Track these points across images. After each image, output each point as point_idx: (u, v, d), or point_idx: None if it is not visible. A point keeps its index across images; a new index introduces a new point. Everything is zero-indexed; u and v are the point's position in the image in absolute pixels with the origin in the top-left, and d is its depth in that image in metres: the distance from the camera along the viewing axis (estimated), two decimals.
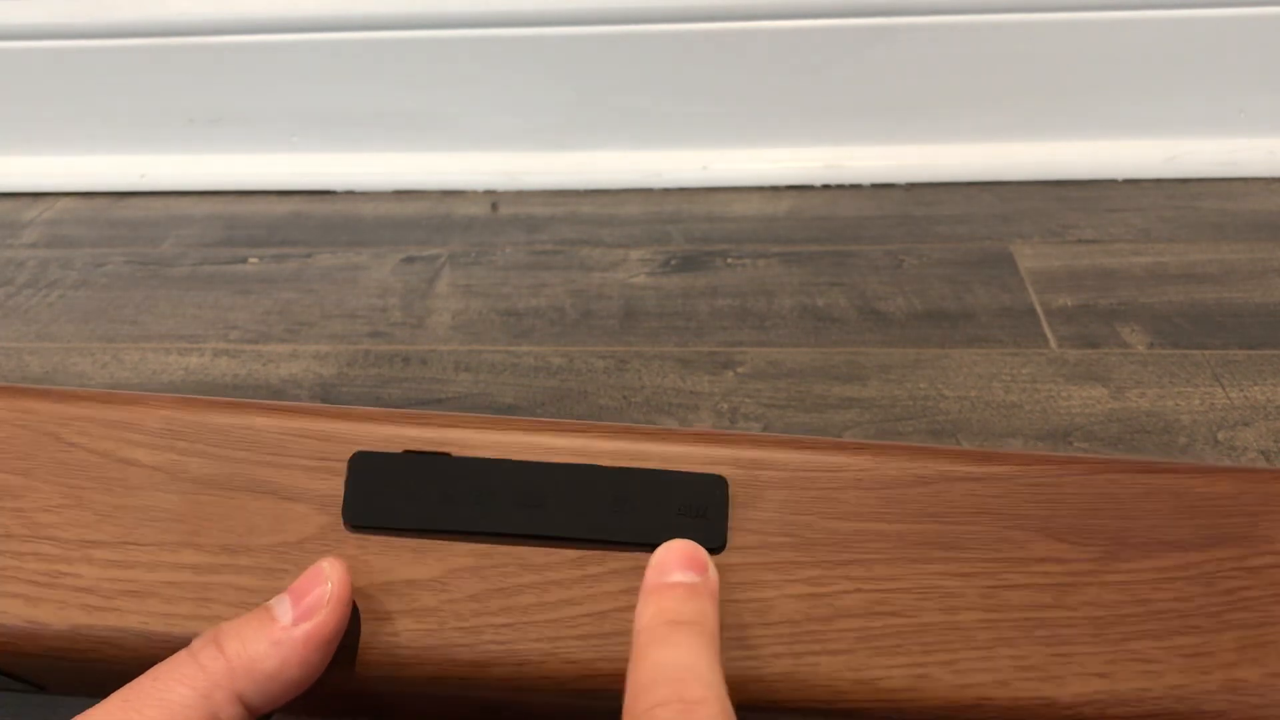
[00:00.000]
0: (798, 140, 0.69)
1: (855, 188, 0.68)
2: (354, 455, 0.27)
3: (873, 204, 0.66)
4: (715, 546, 0.26)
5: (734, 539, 0.26)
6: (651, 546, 0.26)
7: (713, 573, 0.25)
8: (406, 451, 0.27)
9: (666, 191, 0.69)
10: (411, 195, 0.70)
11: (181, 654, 0.24)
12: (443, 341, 0.56)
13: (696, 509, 0.26)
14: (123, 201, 0.72)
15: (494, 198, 0.69)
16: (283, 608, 0.25)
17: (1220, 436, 0.47)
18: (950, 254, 0.61)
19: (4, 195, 0.73)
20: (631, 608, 0.25)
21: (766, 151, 0.69)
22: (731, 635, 0.26)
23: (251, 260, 0.64)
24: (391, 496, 0.27)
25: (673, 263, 0.61)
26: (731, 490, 0.27)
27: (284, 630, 0.24)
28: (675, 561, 0.25)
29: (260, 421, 0.28)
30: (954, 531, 0.26)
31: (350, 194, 0.71)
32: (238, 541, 0.26)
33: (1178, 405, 0.48)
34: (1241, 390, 0.49)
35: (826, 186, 0.68)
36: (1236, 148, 0.67)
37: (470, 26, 0.65)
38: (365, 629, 0.26)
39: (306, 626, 0.24)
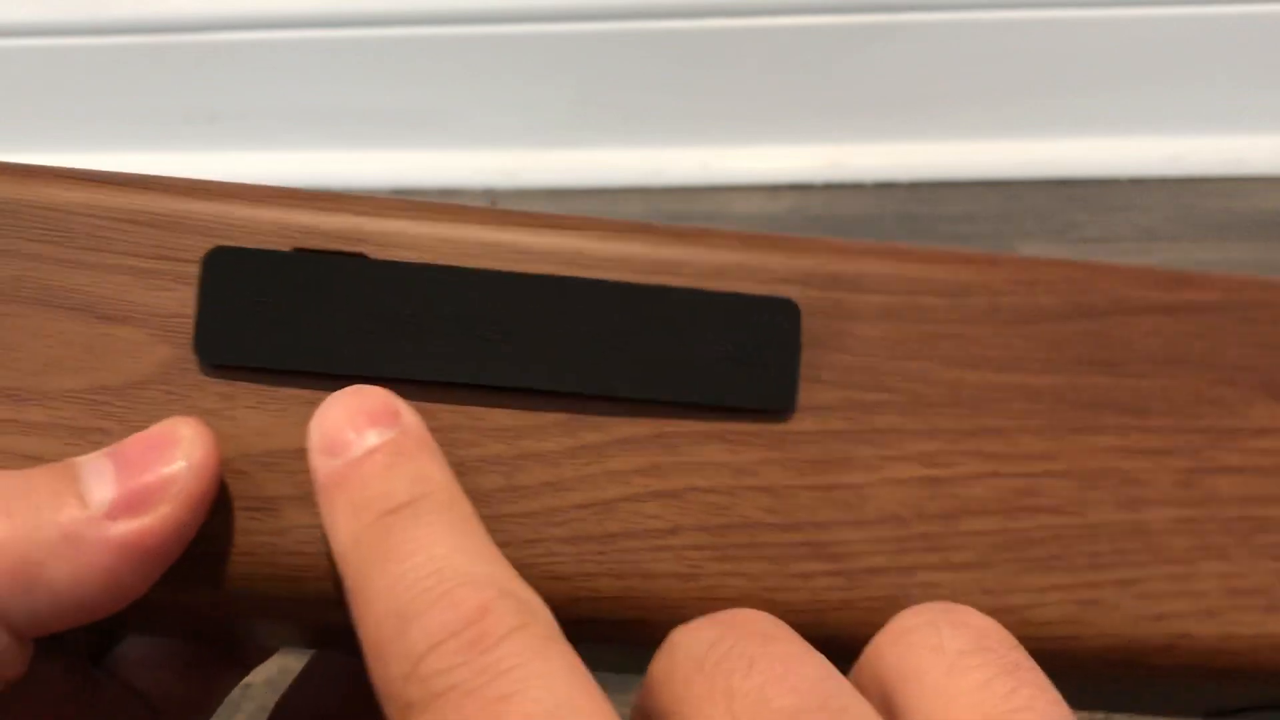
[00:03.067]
0: (799, 138, 0.68)
1: (857, 186, 0.67)
2: (211, 251, 0.17)
3: (875, 203, 0.66)
4: (778, 408, 0.18)
5: (807, 396, 0.18)
6: (679, 406, 0.18)
7: (409, 418, 0.16)
8: (297, 250, 0.17)
9: (667, 190, 0.68)
10: (411, 194, 0.70)
11: None
12: None
13: (748, 351, 0.18)
14: None
15: (493, 196, 0.69)
16: (99, 479, 0.15)
17: None
18: None
19: None
20: (652, 496, 0.17)
21: (767, 149, 0.69)
22: (808, 538, 0.18)
23: None
24: (273, 320, 0.17)
25: None
26: (804, 321, 0.18)
27: (91, 522, 0.15)
28: (345, 423, 0.16)
29: (69, 197, 0.19)
30: (1135, 388, 0.18)
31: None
32: (25, 383, 0.17)
33: None
34: None
35: (828, 185, 0.68)
36: (1241, 146, 0.66)
37: (469, 23, 0.65)
38: (232, 526, 0.17)
39: (128, 526, 0.15)
